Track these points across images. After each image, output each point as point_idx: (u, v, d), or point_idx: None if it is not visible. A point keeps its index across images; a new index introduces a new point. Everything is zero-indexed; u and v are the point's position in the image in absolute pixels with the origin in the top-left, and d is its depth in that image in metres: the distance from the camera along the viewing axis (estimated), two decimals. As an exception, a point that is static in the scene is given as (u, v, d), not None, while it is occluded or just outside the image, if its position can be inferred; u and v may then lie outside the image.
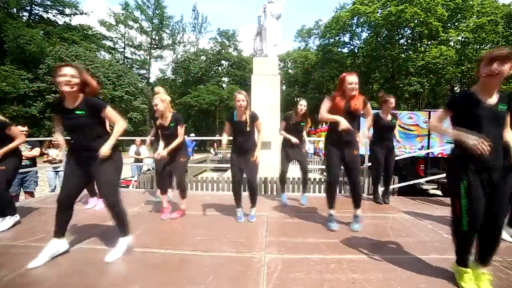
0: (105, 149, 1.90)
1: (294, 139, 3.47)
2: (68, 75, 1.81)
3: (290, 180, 5.29)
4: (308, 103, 3.72)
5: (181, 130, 2.94)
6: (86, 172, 2.01)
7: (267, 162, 5.09)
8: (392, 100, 3.60)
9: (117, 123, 2.03)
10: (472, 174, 1.56)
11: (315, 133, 16.60)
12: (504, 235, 2.38)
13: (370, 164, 4.05)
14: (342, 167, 2.71)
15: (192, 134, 13.33)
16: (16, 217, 2.73)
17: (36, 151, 4.29)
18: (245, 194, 3.08)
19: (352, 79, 2.43)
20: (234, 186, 2.96)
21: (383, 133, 3.68)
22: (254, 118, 2.80)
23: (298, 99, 30.92)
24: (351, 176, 2.65)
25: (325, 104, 2.54)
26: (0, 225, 2.58)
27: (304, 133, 3.70)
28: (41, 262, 1.88)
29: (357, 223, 2.69)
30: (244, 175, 2.94)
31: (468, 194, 1.55)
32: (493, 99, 1.58)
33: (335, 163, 2.62)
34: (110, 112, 1.98)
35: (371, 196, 3.99)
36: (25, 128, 4.28)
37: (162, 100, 2.84)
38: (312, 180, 5.44)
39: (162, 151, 2.89)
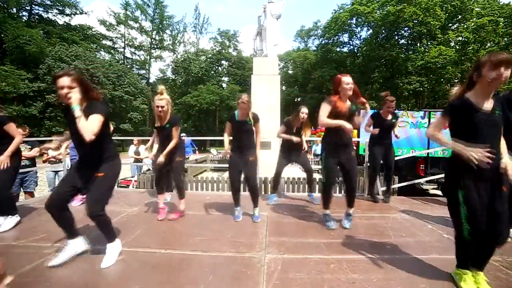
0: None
1: (296, 138, 3.46)
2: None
3: (291, 180, 5.28)
4: (307, 103, 3.74)
5: (175, 132, 2.90)
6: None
7: (267, 162, 5.10)
8: (392, 101, 3.61)
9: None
10: (470, 182, 1.54)
11: (315, 133, 16.55)
12: None
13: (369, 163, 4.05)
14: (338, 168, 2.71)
15: (183, 134, 12.97)
16: (17, 218, 2.73)
17: (35, 151, 4.28)
18: (245, 194, 3.09)
19: (348, 80, 2.46)
20: (232, 184, 2.96)
21: (382, 132, 3.69)
22: (256, 119, 2.87)
23: (299, 99, 30.90)
24: (350, 181, 2.67)
25: (325, 109, 2.48)
26: (2, 225, 2.58)
27: (303, 137, 3.68)
28: (59, 262, 1.87)
29: (349, 221, 2.73)
30: (243, 175, 2.95)
31: (467, 202, 1.54)
32: (489, 104, 1.54)
33: (332, 167, 2.63)
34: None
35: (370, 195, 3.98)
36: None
37: (168, 102, 2.85)
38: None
39: (160, 156, 2.86)
